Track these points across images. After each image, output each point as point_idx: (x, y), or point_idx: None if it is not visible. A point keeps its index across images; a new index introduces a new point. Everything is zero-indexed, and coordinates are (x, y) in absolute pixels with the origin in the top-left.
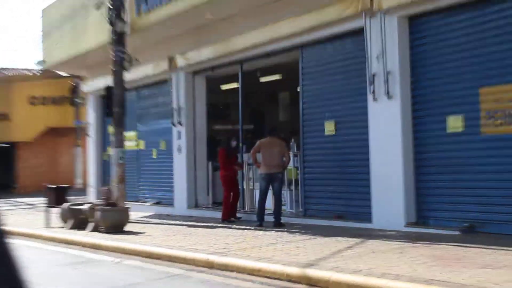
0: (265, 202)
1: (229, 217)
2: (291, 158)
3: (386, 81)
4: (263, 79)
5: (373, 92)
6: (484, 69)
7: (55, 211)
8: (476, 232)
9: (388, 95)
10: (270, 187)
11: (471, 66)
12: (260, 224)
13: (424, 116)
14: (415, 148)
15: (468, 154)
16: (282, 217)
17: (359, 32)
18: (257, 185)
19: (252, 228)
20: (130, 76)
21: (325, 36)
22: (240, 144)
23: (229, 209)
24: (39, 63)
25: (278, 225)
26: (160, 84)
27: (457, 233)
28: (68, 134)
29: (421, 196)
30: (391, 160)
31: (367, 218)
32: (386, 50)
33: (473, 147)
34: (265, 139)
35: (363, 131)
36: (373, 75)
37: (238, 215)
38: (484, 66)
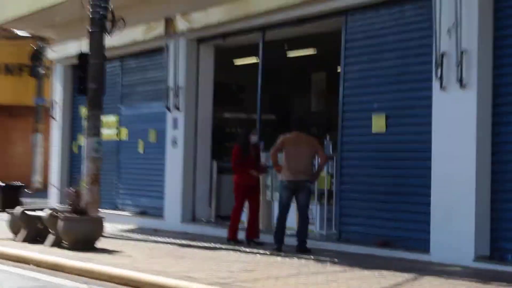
0: (285, 219)
1: (250, 237)
2: None
3: (460, 63)
4: (292, 54)
5: (441, 77)
6: None
7: (3, 217)
8: None
9: (462, 82)
10: (294, 200)
11: None
12: (278, 247)
13: (510, 113)
14: (493, 157)
15: None
16: (308, 240)
17: None
18: (276, 196)
19: (268, 252)
20: (112, 41)
21: None
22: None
23: (236, 226)
24: None
25: (302, 250)
26: (153, 53)
27: None
28: (25, 115)
29: (497, 222)
30: (460, 172)
31: (423, 247)
32: (462, 21)
33: None
34: (291, 134)
35: (423, 130)
36: (442, 55)
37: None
38: None
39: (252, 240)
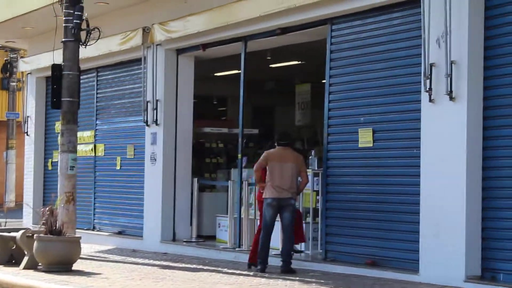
0: (270, 238)
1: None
2: (310, 178)
3: (450, 74)
4: (275, 65)
5: (430, 89)
6: None
7: None
8: None
9: (451, 95)
10: (278, 218)
11: None
12: (262, 268)
13: (501, 127)
14: (484, 173)
15: None
16: (293, 260)
17: (415, 1)
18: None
19: (251, 273)
20: (87, 51)
21: (366, 6)
22: (239, 156)
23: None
24: None
25: (287, 271)
26: (130, 65)
27: None
28: None
29: (489, 241)
30: (450, 188)
31: (412, 267)
32: (451, 29)
33: None
34: (275, 150)
35: (412, 145)
36: (431, 66)
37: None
38: None
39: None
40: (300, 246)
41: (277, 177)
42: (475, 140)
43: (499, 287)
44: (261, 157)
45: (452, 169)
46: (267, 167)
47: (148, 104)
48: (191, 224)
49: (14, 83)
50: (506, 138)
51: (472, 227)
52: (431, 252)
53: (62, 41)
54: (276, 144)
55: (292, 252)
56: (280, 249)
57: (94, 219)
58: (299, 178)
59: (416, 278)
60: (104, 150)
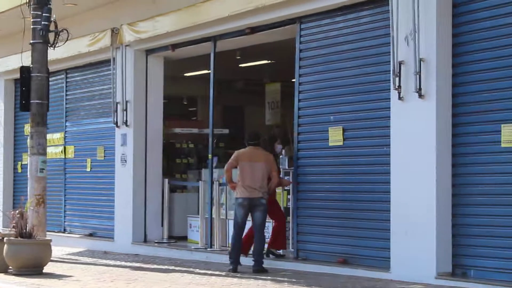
0: (241, 238)
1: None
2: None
3: (418, 72)
4: (245, 64)
5: (399, 87)
6: None
7: None
8: None
9: (420, 92)
10: (250, 218)
11: None
12: (234, 268)
13: (470, 123)
14: (454, 169)
15: None
16: (264, 260)
17: (383, 0)
18: (231, 214)
19: (223, 273)
20: (56, 53)
21: (334, 4)
22: (210, 156)
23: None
24: None
25: (259, 270)
26: (99, 66)
27: None
28: None
29: (459, 237)
30: (420, 185)
31: (383, 264)
32: (419, 27)
33: None
34: (245, 150)
35: (382, 143)
36: (400, 64)
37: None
38: None
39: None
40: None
41: (248, 177)
42: (444, 137)
43: (470, 283)
44: (232, 157)
45: (422, 166)
46: (237, 167)
47: (118, 105)
48: (162, 225)
49: None
50: (475, 134)
51: (443, 224)
52: (402, 250)
53: (30, 43)
54: (247, 143)
55: (271, 255)
56: (252, 249)
57: (64, 222)
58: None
59: (388, 276)
60: (74, 152)
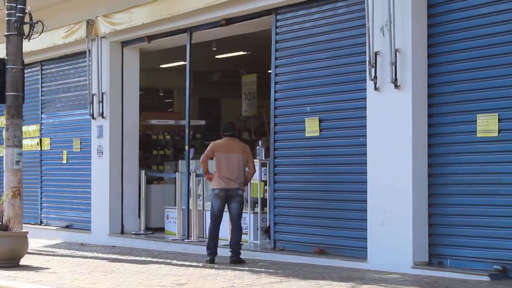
0: (218, 229)
1: None
2: (257, 168)
3: (394, 63)
4: (221, 56)
5: (375, 78)
6: None
7: None
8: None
9: (396, 83)
10: (226, 209)
11: None
12: (211, 259)
13: (445, 114)
14: (430, 159)
15: (503, 168)
16: (242, 251)
17: None
18: (208, 205)
19: (200, 265)
20: (31, 45)
21: None
22: (186, 148)
23: None
24: None
25: (236, 261)
26: (74, 58)
27: (486, 278)
28: None
29: (435, 227)
30: (396, 176)
31: (360, 254)
32: (395, 18)
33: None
34: (221, 140)
35: (358, 133)
36: (375, 54)
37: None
38: None
39: None
40: (249, 237)
41: (224, 167)
42: (420, 127)
43: (446, 273)
44: (208, 148)
45: (399, 156)
46: (214, 158)
47: (94, 97)
48: (139, 217)
49: None
50: (450, 125)
51: (419, 214)
52: (378, 240)
53: (5, 35)
54: (223, 134)
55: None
56: (229, 240)
57: (41, 214)
58: (247, 169)
59: (365, 266)
60: (50, 144)
